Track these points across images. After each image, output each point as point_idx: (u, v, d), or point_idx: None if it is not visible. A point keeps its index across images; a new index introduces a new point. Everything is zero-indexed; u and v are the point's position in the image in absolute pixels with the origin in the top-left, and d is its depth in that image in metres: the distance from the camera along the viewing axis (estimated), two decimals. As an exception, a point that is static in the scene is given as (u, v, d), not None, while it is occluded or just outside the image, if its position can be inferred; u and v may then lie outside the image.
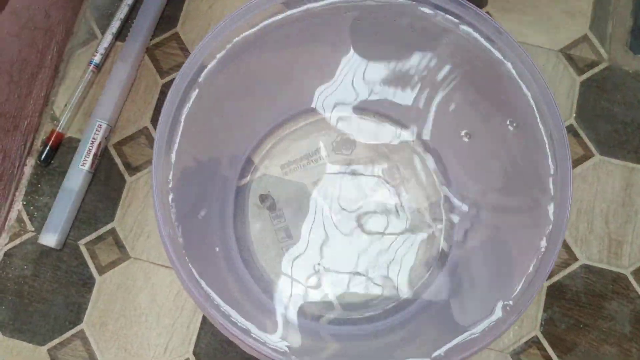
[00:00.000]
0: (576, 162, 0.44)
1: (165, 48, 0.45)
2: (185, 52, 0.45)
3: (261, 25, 0.31)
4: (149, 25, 0.44)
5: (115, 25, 0.45)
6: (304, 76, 0.38)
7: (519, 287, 0.29)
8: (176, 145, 0.30)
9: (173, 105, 0.30)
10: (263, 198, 0.38)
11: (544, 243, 0.29)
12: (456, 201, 0.38)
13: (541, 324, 0.41)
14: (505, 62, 0.32)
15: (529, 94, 0.30)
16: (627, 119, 0.45)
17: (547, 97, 0.30)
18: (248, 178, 0.38)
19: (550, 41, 0.46)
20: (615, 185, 0.44)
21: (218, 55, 0.31)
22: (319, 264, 0.38)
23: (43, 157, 0.43)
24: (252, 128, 0.39)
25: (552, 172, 0.30)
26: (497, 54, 0.32)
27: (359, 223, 0.39)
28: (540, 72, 0.31)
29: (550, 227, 0.30)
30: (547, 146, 0.30)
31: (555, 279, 0.42)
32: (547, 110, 0.30)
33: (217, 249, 0.36)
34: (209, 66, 0.31)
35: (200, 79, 0.31)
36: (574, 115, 0.45)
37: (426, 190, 0.39)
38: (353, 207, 0.39)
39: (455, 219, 0.38)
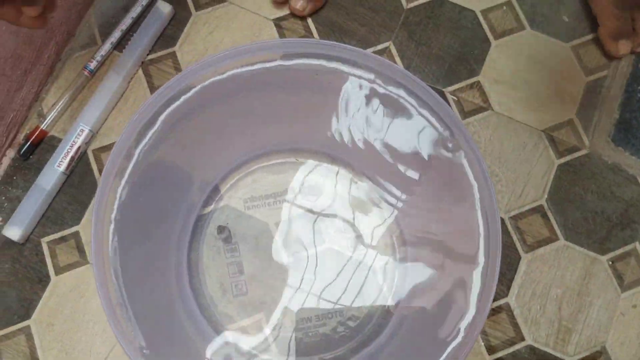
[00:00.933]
0: (540, 243, 0.44)
1: (161, 65, 0.46)
2: (179, 72, 0.46)
3: (236, 71, 0.32)
4: (147, 42, 0.45)
5: (116, 35, 0.46)
6: (284, 118, 0.39)
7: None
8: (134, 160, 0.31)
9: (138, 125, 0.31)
10: (221, 229, 0.39)
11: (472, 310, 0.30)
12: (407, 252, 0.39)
13: (477, 398, 0.42)
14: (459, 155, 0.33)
15: (474, 185, 0.31)
16: (597, 209, 0.45)
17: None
18: (212, 207, 0.39)
19: (536, 120, 0.46)
20: (574, 272, 0.44)
21: (194, 90, 0.32)
22: (267, 303, 0.38)
23: (23, 150, 0.44)
24: (226, 158, 0.40)
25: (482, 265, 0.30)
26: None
27: (315, 265, 0.39)
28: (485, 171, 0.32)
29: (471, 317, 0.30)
30: (481, 239, 0.31)
31: (499, 354, 0.42)
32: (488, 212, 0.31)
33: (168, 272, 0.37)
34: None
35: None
36: (546, 196, 0.45)
37: (382, 239, 0.40)
38: (311, 251, 0.39)
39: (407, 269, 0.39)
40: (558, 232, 0.45)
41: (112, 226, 0.30)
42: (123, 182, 0.31)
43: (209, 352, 0.38)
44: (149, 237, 0.36)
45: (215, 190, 0.40)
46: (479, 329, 0.30)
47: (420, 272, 0.39)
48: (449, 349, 0.31)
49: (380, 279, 0.39)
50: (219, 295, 0.38)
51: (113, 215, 0.31)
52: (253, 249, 0.39)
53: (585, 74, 0.47)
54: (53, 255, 0.43)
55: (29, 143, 0.44)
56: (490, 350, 0.42)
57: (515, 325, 0.43)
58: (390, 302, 0.39)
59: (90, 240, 0.43)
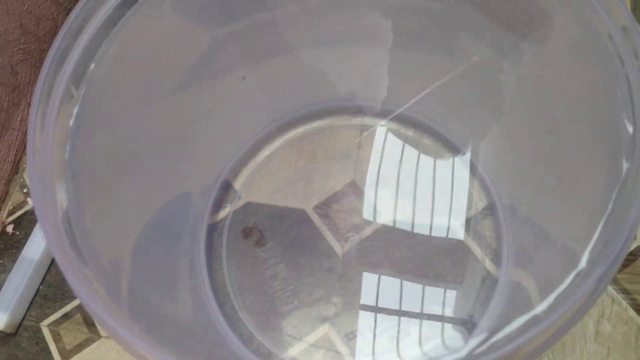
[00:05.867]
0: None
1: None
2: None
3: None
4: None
5: (91, 80, 0.41)
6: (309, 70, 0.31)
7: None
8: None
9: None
10: (247, 232, 0.30)
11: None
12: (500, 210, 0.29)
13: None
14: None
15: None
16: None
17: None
18: (227, 209, 0.31)
19: None
20: None
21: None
22: (326, 313, 0.29)
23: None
24: (232, 139, 0.32)
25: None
26: None
27: (379, 258, 0.30)
28: None
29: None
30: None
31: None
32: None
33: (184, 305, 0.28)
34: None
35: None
36: None
37: (460, 208, 0.31)
38: (369, 231, 0.30)
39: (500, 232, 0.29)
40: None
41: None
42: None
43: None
44: (146, 280, 0.28)
45: (227, 187, 0.32)
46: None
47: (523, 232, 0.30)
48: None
49: (474, 248, 0.30)
50: (263, 315, 0.29)
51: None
52: (295, 248, 0.30)
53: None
54: (57, 340, 0.35)
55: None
56: (641, 310, 0.31)
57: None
58: (488, 269, 0.29)
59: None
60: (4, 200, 0.39)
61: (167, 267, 0.28)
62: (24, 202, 0.39)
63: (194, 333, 0.28)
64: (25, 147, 0.40)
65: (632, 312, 0.31)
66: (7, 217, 0.39)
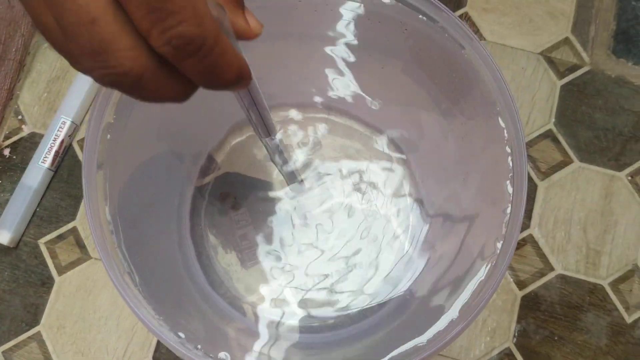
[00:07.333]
0: (555, 169, 0.43)
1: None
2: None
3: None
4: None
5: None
6: (277, 70, 0.36)
7: (470, 292, 0.27)
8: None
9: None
10: (224, 196, 0.37)
11: (498, 246, 0.28)
12: (422, 206, 0.37)
13: (514, 335, 0.40)
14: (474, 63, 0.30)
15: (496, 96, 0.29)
16: (608, 125, 0.43)
17: (508, 102, 0.29)
18: (210, 176, 0.37)
19: (531, 44, 0.45)
20: (594, 193, 0.42)
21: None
22: (281, 269, 0.37)
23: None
24: (217, 122, 0.37)
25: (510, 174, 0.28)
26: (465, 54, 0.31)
27: (324, 227, 0.38)
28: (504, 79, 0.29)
29: (504, 229, 0.28)
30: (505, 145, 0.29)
31: (530, 289, 0.41)
32: (506, 109, 0.29)
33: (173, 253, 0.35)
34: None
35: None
36: (554, 120, 0.43)
37: (394, 196, 0.38)
38: (319, 210, 0.37)
39: (420, 223, 0.37)
40: (571, 154, 0.43)
41: (107, 210, 0.27)
42: (106, 160, 0.28)
43: (230, 329, 0.36)
44: (145, 220, 0.34)
45: (210, 160, 0.38)
46: (508, 260, 0.28)
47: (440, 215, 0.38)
48: (475, 285, 0.29)
49: (395, 225, 0.38)
50: (231, 268, 0.36)
51: (106, 202, 0.28)
52: (263, 214, 0.37)
53: (574, -10, 0.46)
54: (53, 256, 0.41)
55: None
56: (520, 285, 0.41)
57: (542, 256, 0.41)
58: (409, 247, 0.37)
59: (90, 234, 0.41)
60: (0, 123, 0.43)
61: (160, 221, 0.35)
62: (19, 129, 0.43)
63: (176, 276, 0.35)
64: (19, 74, 0.44)
65: (513, 286, 0.41)
66: (3, 141, 0.43)
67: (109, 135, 0.27)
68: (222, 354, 0.28)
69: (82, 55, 0.17)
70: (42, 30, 0.18)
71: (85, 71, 0.18)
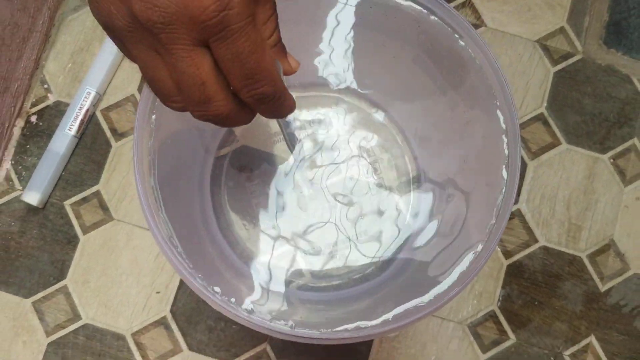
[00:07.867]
0: (544, 149, 0.46)
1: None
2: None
3: None
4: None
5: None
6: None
7: (469, 262, 0.31)
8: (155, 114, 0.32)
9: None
10: (241, 168, 0.40)
11: (492, 221, 0.31)
12: (424, 182, 0.41)
13: (499, 299, 0.44)
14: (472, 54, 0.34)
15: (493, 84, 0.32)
16: (595, 111, 0.47)
17: (506, 93, 0.32)
18: (228, 148, 0.40)
19: (528, 31, 0.48)
20: (579, 173, 0.46)
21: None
22: (292, 234, 0.40)
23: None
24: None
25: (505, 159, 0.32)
26: (463, 46, 0.34)
27: (334, 195, 0.41)
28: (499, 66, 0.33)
29: (499, 205, 0.32)
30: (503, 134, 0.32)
31: (515, 258, 0.45)
32: (505, 103, 0.32)
33: (195, 214, 0.38)
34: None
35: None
36: (545, 104, 0.47)
37: (397, 169, 0.42)
38: (327, 182, 0.41)
39: (422, 197, 0.40)
40: (560, 136, 0.46)
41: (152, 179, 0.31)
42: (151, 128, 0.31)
43: (243, 287, 0.39)
44: (175, 188, 0.37)
45: (229, 132, 0.41)
46: (500, 233, 0.32)
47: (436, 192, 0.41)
48: (469, 256, 0.32)
49: (397, 199, 0.41)
50: (247, 231, 0.40)
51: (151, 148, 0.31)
52: (275, 184, 0.40)
53: (572, -20, 0.48)
54: (78, 216, 0.44)
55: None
56: (507, 255, 0.45)
57: (528, 229, 0.45)
58: (410, 219, 0.41)
59: (114, 195, 0.44)
60: (27, 92, 0.46)
61: (186, 190, 0.38)
62: (45, 97, 0.46)
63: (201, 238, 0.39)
64: (44, 46, 0.46)
65: (500, 255, 0.45)
66: (30, 108, 0.46)
67: (153, 116, 0.30)
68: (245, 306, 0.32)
69: (188, 104, 0.24)
70: (153, 81, 0.23)
71: (181, 110, 0.24)
